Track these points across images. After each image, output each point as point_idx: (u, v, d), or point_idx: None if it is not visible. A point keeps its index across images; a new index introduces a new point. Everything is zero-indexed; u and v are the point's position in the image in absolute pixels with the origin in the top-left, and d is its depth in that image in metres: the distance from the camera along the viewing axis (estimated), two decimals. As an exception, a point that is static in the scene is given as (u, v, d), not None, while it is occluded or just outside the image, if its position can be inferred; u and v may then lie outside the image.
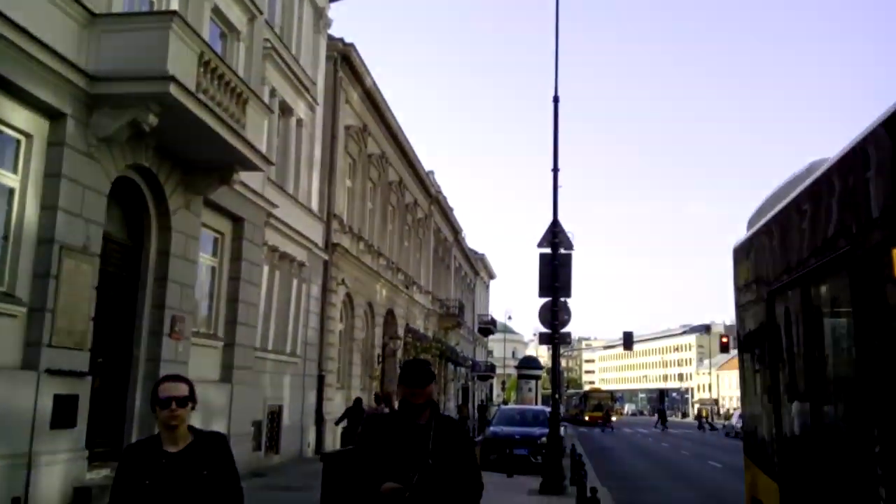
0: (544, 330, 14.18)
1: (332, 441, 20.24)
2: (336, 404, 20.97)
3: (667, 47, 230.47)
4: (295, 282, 18.21)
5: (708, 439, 41.62)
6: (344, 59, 21.37)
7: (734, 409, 74.46)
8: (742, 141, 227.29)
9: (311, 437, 19.33)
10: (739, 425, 43.81)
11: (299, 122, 18.36)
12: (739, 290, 6.96)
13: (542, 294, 13.81)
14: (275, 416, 16.85)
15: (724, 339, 54.79)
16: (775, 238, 5.61)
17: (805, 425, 4.95)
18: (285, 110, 17.49)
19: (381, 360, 25.55)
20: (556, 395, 14.24)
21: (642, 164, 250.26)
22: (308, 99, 18.62)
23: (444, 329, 38.83)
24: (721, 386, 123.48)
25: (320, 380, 20.14)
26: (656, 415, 64.97)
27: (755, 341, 6.40)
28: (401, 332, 28.36)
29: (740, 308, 6.94)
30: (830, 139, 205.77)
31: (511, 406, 30.49)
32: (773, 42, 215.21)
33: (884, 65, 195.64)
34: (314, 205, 19.65)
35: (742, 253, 6.79)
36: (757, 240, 6.23)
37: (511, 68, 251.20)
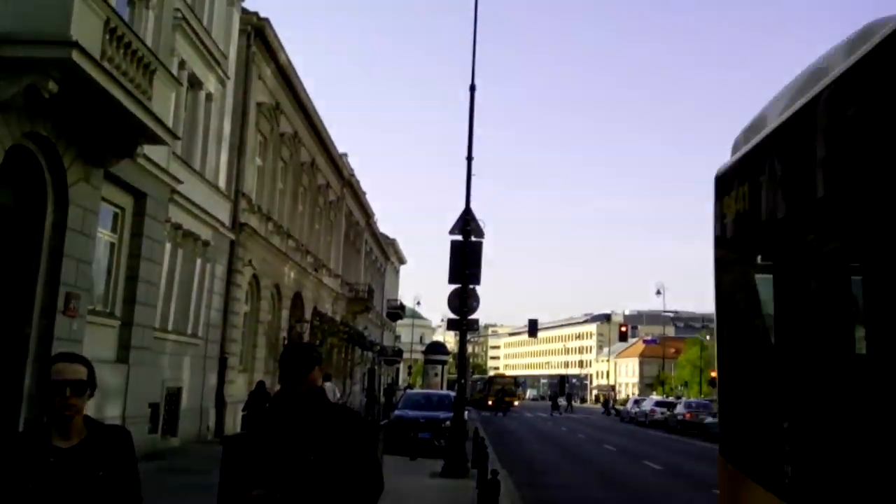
0: (453, 316, 14.36)
1: (233, 424, 19.90)
2: (238, 387, 20.61)
3: (584, 45, 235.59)
4: (199, 261, 17.74)
5: (604, 424, 43.20)
6: (258, 34, 20.85)
7: (631, 395, 78.44)
8: (650, 139, 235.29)
9: (211, 420, 18.94)
10: (634, 411, 45.73)
11: (209, 96, 17.84)
12: (723, 234, 5.16)
13: (451, 280, 13.98)
14: (173, 398, 16.43)
15: (623, 328, 57.15)
16: (779, 159, 4.06)
17: (811, 420, 3.52)
18: (194, 84, 16.95)
19: (286, 343, 25.25)
20: (462, 381, 14.47)
21: (554, 156, 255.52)
22: (219, 73, 18.10)
23: (353, 313, 38.67)
24: (619, 373, 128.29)
25: (222, 362, 19.73)
26: (550, 401, 66.93)
27: (746, 302, 4.83)
28: (308, 315, 28.07)
29: (723, 260, 5.18)
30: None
31: (417, 390, 30.70)
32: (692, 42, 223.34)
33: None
34: (222, 182, 19.15)
35: (729, 182, 4.90)
36: (752, 161, 4.47)
37: (434, 55, 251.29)
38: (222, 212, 19.06)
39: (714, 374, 56.39)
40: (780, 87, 4.25)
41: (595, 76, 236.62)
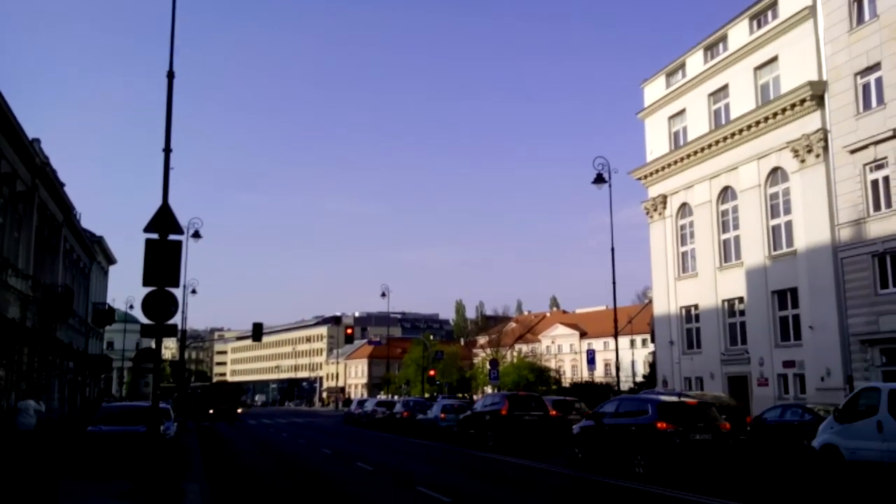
0: (148, 321, 13.20)
1: None
2: None
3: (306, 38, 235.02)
4: None
5: (327, 427, 43.20)
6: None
7: (359, 396, 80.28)
8: (374, 140, 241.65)
9: None
10: (358, 412, 46.35)
11: None
12: None
13: (147, 283, 12.82)
14: None
15: (349, 331, 57.84)
16: None
17: None
18: None
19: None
20: (157, 391, 13.36)
21: (281, 156, 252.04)
22: None
23: (49, 319, 34.45)
24: (349, 374, 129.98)
25: None
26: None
27: None
28: (-13, 321, 24.39)
29: None
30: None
31: (115, 403, 28.16)
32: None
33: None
34: None
35: None
36: None
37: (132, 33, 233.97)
38: None
39: (432, 372, 59.60)
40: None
41: (314, 76, 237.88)
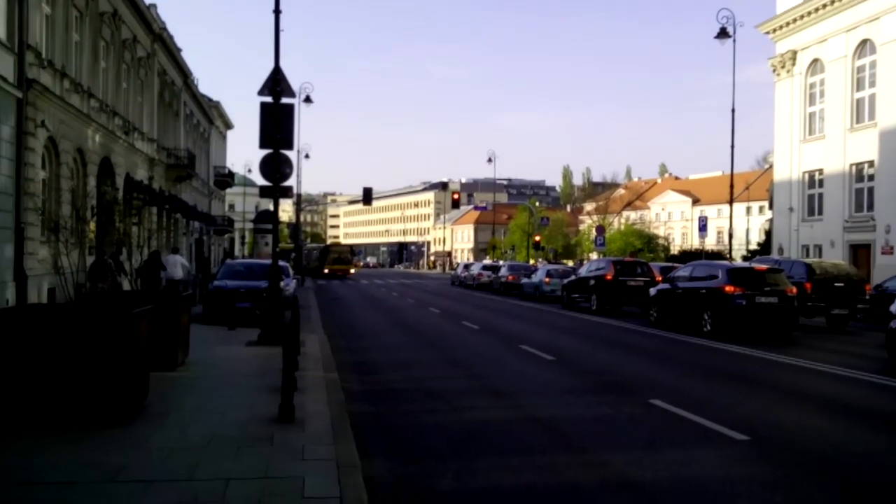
0: (266, 183, 13.76)
1: (37, 296, 18.62)
2: (41, 259, 19.14)
3: None
4: (-25, 122, 15.69)
5: (434, 288, 44.73)
6: None
7: (463, 261, 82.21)
8: (484, 4, 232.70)
9: (10, 293, 17.50)
10: (463, 275, 47.61)
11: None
12: None
13: (262, 145, 13.26)
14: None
15: (456, 196, 58.42)
16: None
17: None
18: None
19: (95, 213, 23.43)
20: (276, 249, 14.11)
21: (385, 19, 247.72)
22: None
23: (174, 181, 36.52)
24: (455, 239, 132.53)
25: (19, 232, 18.11)
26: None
27: None
28: (120, 182, 26.10)
29: None
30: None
31: (238, 260, 29.94)
32: None
33: None
34: (1, 32, 16.76)
35: None
36: None
37: None
38: (4, 66, 16.79)
39: (538, 238, 59.76)
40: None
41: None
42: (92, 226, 22.80)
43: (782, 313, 17.34)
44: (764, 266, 19.39)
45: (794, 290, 17.91)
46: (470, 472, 6.13)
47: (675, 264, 33.12)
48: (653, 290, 21.06)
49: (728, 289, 17.25)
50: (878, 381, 11.24)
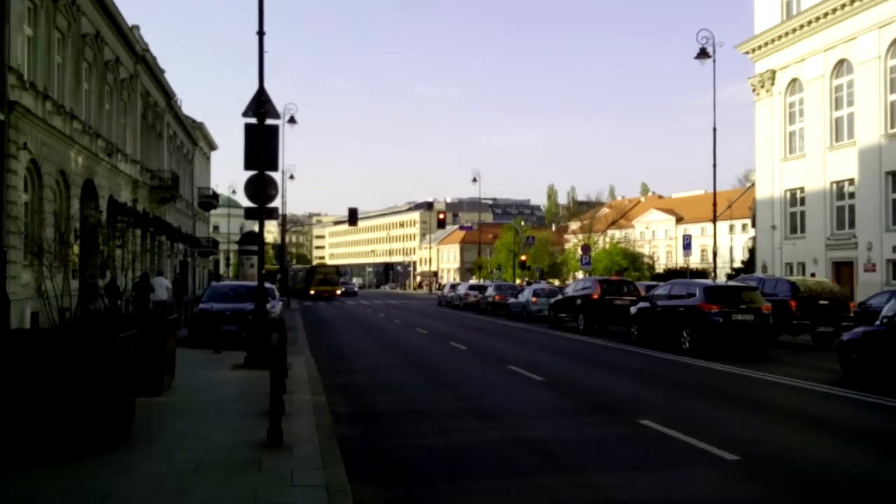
0: (251, 204, 13.71)
1: (21, 321, 18.37)
2: (25, 282, 18.94)
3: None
4: (-43, 144, 15.53)
5: (421, 308, 44.62)
6: None
7: (452, 280, 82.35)
8: (470, 24, 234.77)
9: (-9, 318, 17.26)
10: (450, 295, 47.56)
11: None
12: None
13: (248, 167, 13.23)
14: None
15: (441, 216, 58.45)
16: None
17: None
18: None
19: (78, 235, 23.24)
20: (262, 271, 14.03)
21: (369, 41, 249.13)
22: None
23: (158, 202, 36.32)
24: (441, 259, 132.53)
25: (1, 256, 17.93)
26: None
27: None
28: (103, 204, 25.94)
29: None
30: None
31: (223, 283, 29.77)
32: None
33: None
34: (-19, 54, 16.69)
35: None
36: None
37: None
38: (-16, 88, 16.70)
39: (524, 257, 59.85)
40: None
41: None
42: (76, 249, 22.69)
43: (758, 330, 17.71)
44: (739, 284, 19.97)
45: (770, 307, 18.23)
46: (460, 495, 6.08)
47: (661, 283, 33.28)
48: (633, 309, 21.26)
49: (705, 307, 17.66)
50: (859, 399, 11.31)
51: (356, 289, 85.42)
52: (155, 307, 20.89)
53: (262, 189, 13.22)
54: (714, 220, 31.51)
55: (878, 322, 13.40)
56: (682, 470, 6.89)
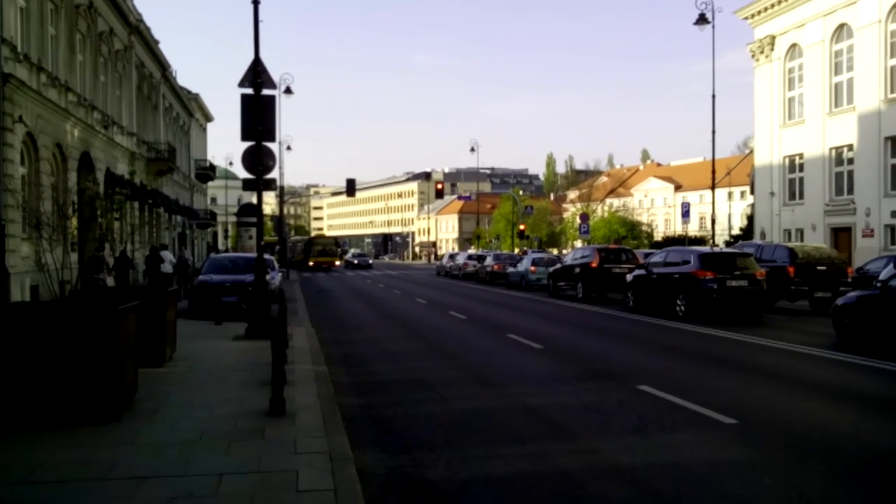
0: (248, 175, 13.67)
1: (21, 294, 18.42)
2: (24, 255, 18.96)
3: None
4: (-49, 118, 15.45)
5: (420, 279, 44.72)
6: None
7: (450, 250, 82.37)
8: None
9: (-9, 291, 17.31)
10: (449, 265, 47.64)
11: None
12: None
13: (244, 137, 13.18)
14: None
15: (439, 186, 58.34)
16: None
17: None
18: None
19: (76, 208, 23.21)
20: (261, 242, 14.04)
21: (367, 10, 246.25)
22: None
23: (155, 175, 36.21)
24: (439, 229, 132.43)
25: (0, 229, 17.92)
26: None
27: None
28: (100, 177, 25.86)
29: None
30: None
31: (223, 254, 29.80)
32: None
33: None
34: (-27, 26, 16.52)
35: None
36: None
37: None
38: (-23, 61, 16.56)
39: (523, 227, 59.77)
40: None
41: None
42: (74, 221, 22.67)
43: (752, 296, 17.89)
44: (733, 251, 20.22)
45: (764, 273, 18.38)
46: (461, 461, 6.15)
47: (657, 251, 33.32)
48: (629, 276, 21.49)
49: (699, 273, 17.88)
50: (853, 362, 11.40)
51: (370, 261, 77.82)
52: (163, 279, 21.24)
53: (259, 160, 13.18)
54: (713, 188, 31.47)
55: (873, 287, 13.47)
56: (681, 434, 6.97)
